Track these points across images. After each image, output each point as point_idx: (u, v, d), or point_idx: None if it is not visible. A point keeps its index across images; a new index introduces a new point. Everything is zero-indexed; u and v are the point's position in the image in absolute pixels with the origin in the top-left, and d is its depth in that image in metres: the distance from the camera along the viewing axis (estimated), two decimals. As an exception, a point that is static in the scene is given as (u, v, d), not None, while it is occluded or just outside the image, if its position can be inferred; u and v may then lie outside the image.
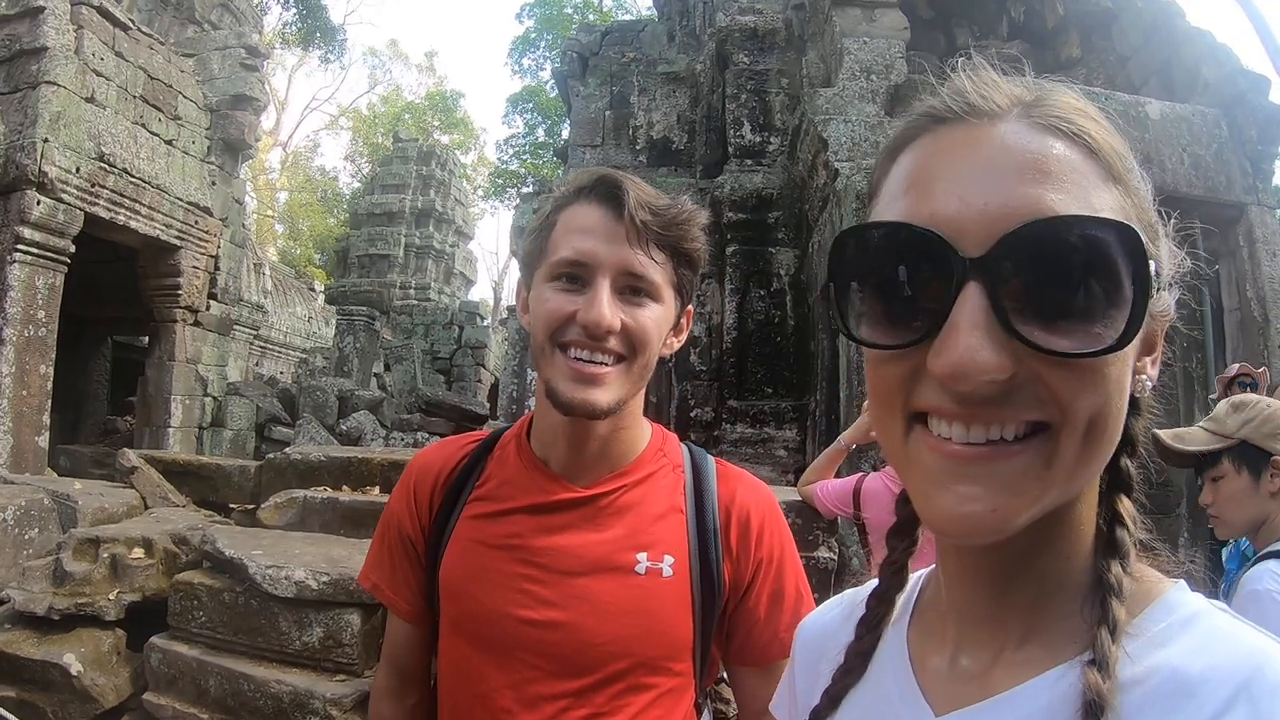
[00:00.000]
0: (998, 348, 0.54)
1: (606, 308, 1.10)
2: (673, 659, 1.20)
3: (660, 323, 1.17)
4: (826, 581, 3.11)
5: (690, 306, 1.26)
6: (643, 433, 1.30)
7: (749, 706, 1.31)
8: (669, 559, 1.20)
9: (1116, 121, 0.63)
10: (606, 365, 1.12)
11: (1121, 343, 0.54)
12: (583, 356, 1.12)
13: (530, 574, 1.19)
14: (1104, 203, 0.57)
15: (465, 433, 1.46)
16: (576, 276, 1.13)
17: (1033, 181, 0.56)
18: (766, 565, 1.25)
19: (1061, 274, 0.54)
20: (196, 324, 10.76)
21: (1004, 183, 0.57)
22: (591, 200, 1.16)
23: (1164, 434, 2.09)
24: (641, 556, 1.19)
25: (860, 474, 3.45)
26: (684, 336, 1.27)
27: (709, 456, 1.34)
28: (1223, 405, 2.06)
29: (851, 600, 0.84)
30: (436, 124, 39.27)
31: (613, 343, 1.12)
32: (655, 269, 1.15)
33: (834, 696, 0.75)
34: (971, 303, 0.55)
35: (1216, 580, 2.66)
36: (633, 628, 1.16)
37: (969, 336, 0.54)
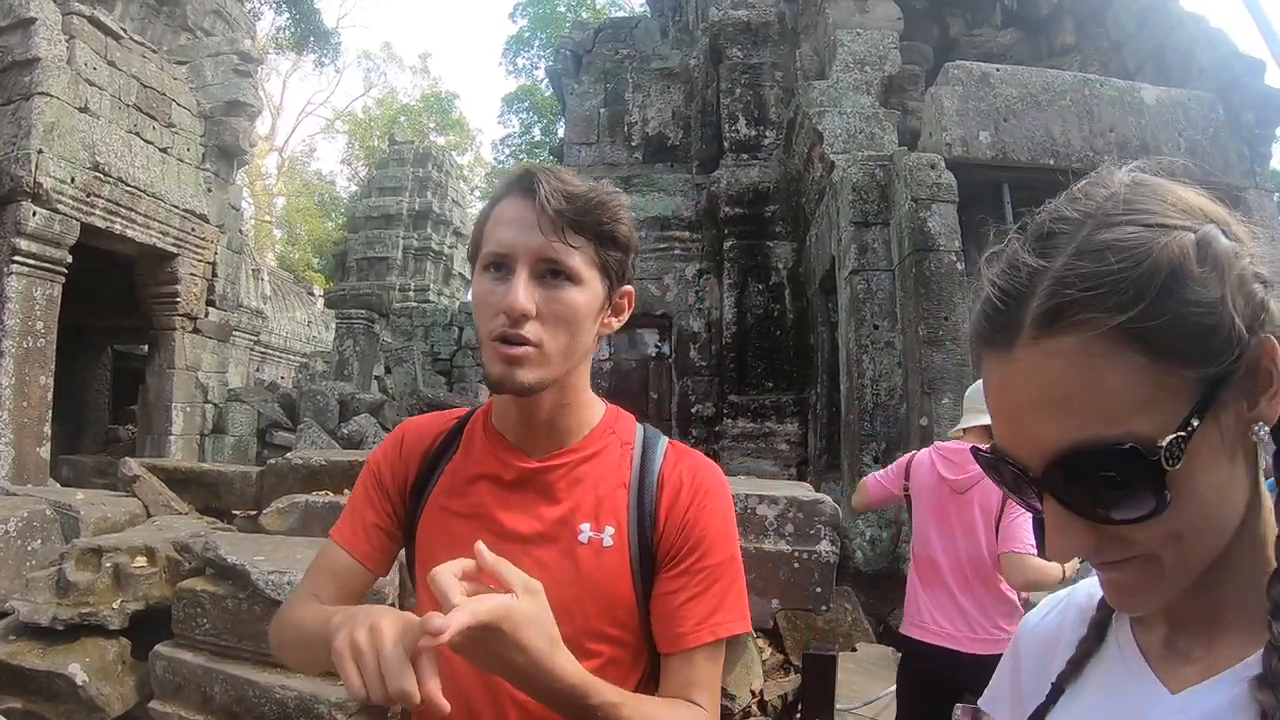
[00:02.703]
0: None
1: (521, 293, 1.18)
2: (615, 626, 1.27)
3: (584, 304, 1.24)
4: (829, 576, 3.11)
5: (629, 288, 1.33)
6: (593, 412, 1.38)
7: (663, 689, 1.30)
8: (609, 529, 1.28)
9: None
10: (527, 348, 1.20)
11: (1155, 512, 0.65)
12: (509, 339, 1.19)
13: (490, 541, 1.20)
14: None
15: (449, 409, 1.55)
16: (500, 265, 1.22)
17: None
18: (687, 536, 1.29)
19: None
20: (196, 331, 10.74)
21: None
22: (514, 193, 1.24)
23: None
24: (585, 527, 1.28)
25: (912, 452, 3.56)
26: (624, 317, 1.35)
27: (663, 437, 1.41)
28: None
29: (1078, 605, 0.92)
30: (432, 125, 39.27)
31: (528, 327, 1.19)
32: (573, 253, 1.21)
33: (1077, 662, 0.86)
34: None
35: None
36: (574, 594, 1.23)
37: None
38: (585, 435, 1.35)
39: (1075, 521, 0.68)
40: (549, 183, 1.21)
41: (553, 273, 1.21)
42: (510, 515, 1.29)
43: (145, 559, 3.75)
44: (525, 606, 0.98)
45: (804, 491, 3.44)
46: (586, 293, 1.24)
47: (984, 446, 0.77)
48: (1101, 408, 0.64)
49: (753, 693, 3.96)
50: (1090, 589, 0.90)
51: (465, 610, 0.91)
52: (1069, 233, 0.69)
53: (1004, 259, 0.73)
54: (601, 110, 11.97)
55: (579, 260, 1.22)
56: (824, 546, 3.04)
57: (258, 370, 17.44)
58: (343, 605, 1.30)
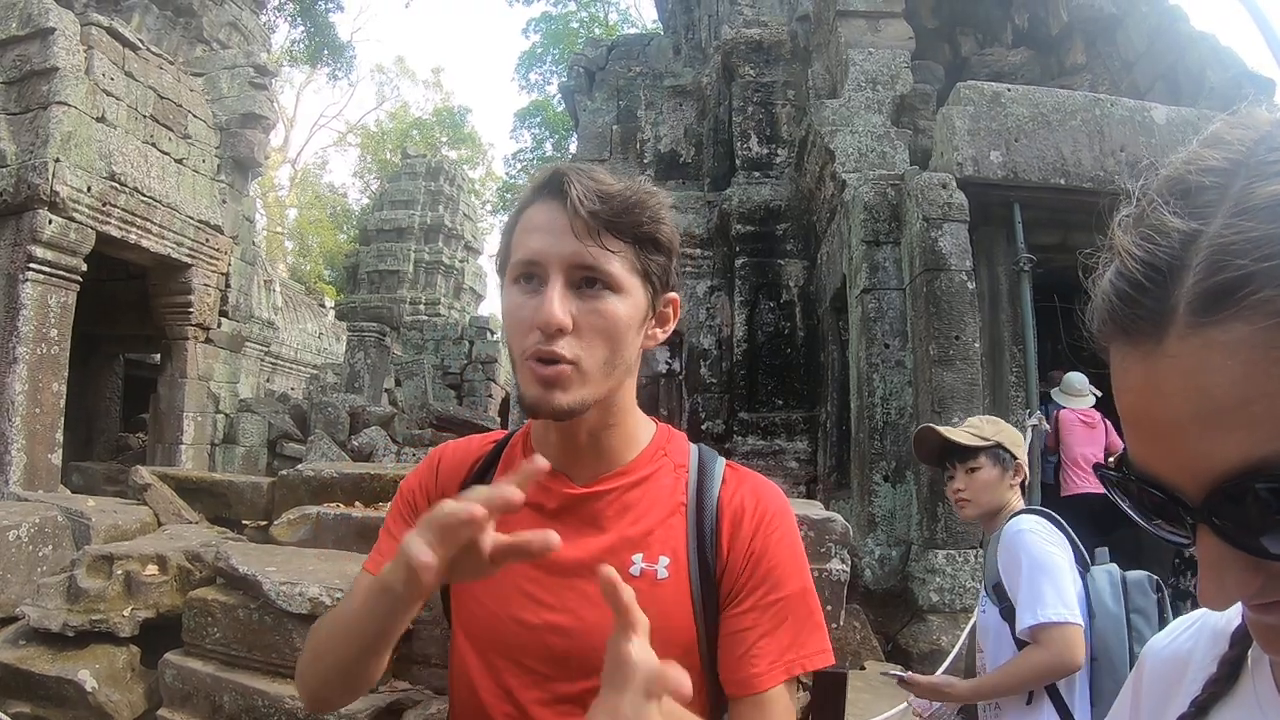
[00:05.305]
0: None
1: (556, 305, 1.06)
2: (674, 662, 1.17)
3: (625, 314, 1.12)
4: (839, 594, 3.10)
5: (674, 294, 1.21)
6: (642, 431, 1.26)
7: None
8: (664, 560, 1.16)
9: None
10: (563, 366, 1.08)
11: None
12: (543, 358, 1.08)
13: (531, 574, 1.16)
14: None
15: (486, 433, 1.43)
16: (532, 276, 1.10)
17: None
18: (754, 568, 1.17)
19: None
20: (208, 341, 10.80)
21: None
22: (544, 196, 1.13)
23: (940, 429, 2.69)
24: (637, 558, 1.16)
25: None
26: (670, 327, 1.23)
27: (719, 458, 1.29)
28: (976, 419, 2.73)
29: (1213, 628, 0.76)
30: (444, 139, 39.55)
31: (564, 343, 1.07)
32: (611, 258, 1.10)
33: (1201, 705, 0.70)
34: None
35: None
36: None
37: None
38: (634, 458, 1.23)
39: (1238, 560, 0.53)
40: (581, 182, 1.10)
41: (589, 281, 1.10)
42: None
43: (156, 567, 3.76)
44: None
45: (815, 509, 3.42)
46: (628, 302, 1.12)
47: (1108, 463, 0.63)
48: None
49: (760, 710, 3.93)
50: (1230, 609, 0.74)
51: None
52: (1219, 185, 0.53)
53: (1139, 223, 0.57)
54: (614, 127, 12.02)
55: (618, 266, 1.11)
56: (835, 565, 3.03)
57: (268, 381, 17.47)
58: None
